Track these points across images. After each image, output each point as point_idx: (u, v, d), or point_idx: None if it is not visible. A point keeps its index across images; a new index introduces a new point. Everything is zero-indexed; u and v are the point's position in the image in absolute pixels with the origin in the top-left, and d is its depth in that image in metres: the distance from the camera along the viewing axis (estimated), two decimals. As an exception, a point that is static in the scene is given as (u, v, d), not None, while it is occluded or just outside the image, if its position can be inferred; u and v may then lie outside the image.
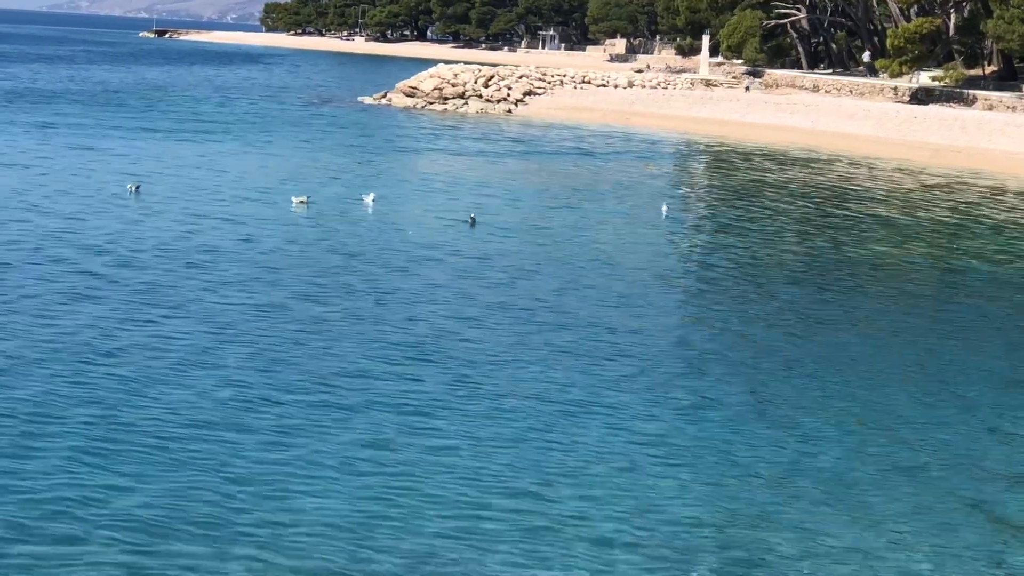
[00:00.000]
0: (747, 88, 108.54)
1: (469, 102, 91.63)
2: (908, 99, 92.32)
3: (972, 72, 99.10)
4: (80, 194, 41.16)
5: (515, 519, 15.98)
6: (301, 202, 41.21)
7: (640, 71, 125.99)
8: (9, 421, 18.47)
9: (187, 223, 36.59)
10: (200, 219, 37.42)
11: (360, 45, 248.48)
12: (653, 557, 15.14)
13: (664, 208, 44.73)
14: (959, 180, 60.50)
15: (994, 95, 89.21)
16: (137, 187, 42.12)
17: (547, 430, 19.38)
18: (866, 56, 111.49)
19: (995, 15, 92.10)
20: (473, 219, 39.26)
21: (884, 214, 47.65)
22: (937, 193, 55.27)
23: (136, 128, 65.37)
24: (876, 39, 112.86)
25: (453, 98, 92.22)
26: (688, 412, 20.69)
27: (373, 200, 42.19)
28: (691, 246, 38.70)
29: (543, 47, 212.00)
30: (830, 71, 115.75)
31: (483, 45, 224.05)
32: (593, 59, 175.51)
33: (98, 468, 16.82)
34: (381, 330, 24.98)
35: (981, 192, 56.12)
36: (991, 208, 50.73)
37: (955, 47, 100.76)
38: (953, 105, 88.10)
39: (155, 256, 31.34)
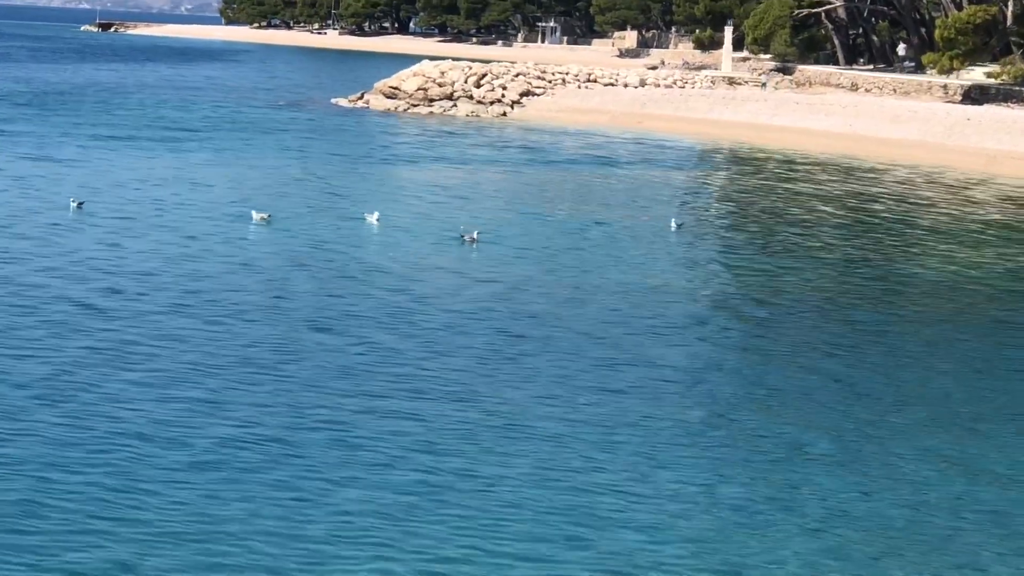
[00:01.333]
0: (763, 85, 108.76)
1: (458, 104, 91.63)
2: (960, 99, 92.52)
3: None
4: (17, 210, 41.19)
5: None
6: (262, 218, 41.26)
7: (654, 68, 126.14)
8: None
9: (127, 243, 36.75)
10: (143, 238, 37.65)
11: (334, 39, 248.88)
12: None
13: (673, 223, 44.65)
14: (1021, 191, 60.56)
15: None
16: (80, 203, 42.04)
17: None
18: (901, 49, 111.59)
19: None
20: (474, 239, 39.50)
21: (932, 230, 47.68)
22: (995, 207, 55.30)
23: (82, 135, 65.51)
24: (923, 30, 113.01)
25: (440, 100, 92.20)
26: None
27: (378, 219, 42.20)
28: (711, 268, 38.74)
29: (542, 41, 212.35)
30: (870, 67, 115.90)
31: (474, 39, 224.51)
32: (600, 54, 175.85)
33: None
34: (352, 365, 25.08)
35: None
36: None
37: (1013, 39, 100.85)
38: (1011, 105, 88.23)
39: (82, 283, 31.38)
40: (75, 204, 41.94)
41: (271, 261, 35.51)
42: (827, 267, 39.29)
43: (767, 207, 52.72)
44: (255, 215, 41.48)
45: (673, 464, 20.54)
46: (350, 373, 24.76)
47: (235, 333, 27.34)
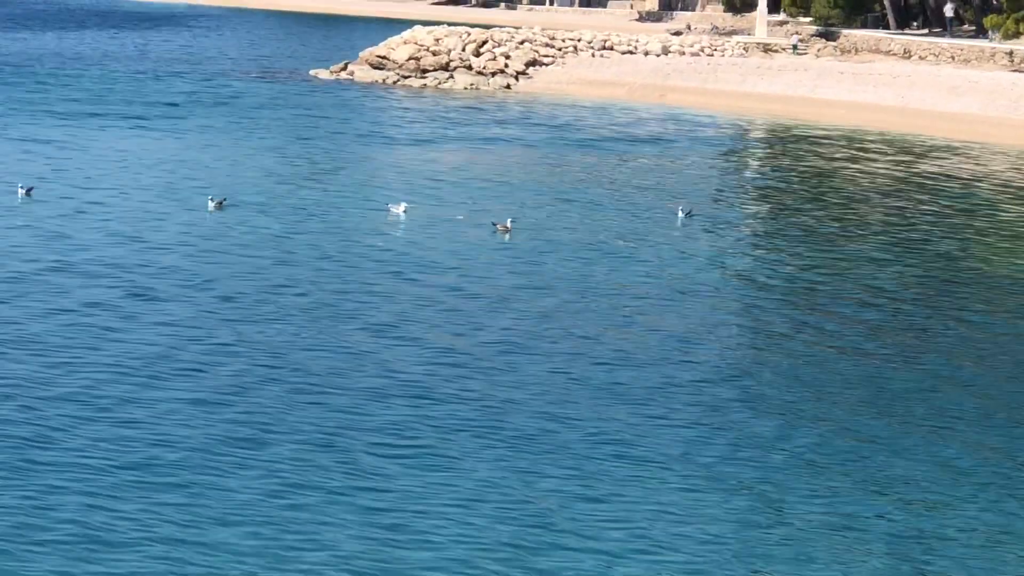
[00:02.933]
0: (794, 47, 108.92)
1: (455, 75, 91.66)
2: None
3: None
4: None
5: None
6: (217, 205, 41.93)
7: (678, 33, 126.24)
8: None
9: (78, 231, 37.46)
10: (96, 226, 38.44)
11: (312, 2, 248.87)
12: None
13: (680, 212, 44.95)
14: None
15: None
16: (29, 189, 42.46)
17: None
18: (948, 9, 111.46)
19: None
20: (507, 228, 40.50)
21: (996, 218, 47.91)
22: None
23: (31, 111, 66.01)
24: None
25: (435, 70, 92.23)
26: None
27: (405, 211, 42.50)
28: (742, 259, 39.12)
29: (551, 3, 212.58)
30: (925, 31, 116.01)
31: (473, 1, 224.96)
32: (616, 18, 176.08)
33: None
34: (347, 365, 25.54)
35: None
36: None
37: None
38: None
39: (24, 276, 32.00)
40: (23, 191, 42.32)
41: (231, 247, 36.50)
42: (880, 258, 39.70)
43: (808, 192, 53.08)
44: (210, 202, 42.00)
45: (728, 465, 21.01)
46: (399, 370, 26.18)
47: (280, 330, 28.58)
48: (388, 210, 42.85)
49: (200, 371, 25.69)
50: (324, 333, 29.00)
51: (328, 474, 20.61)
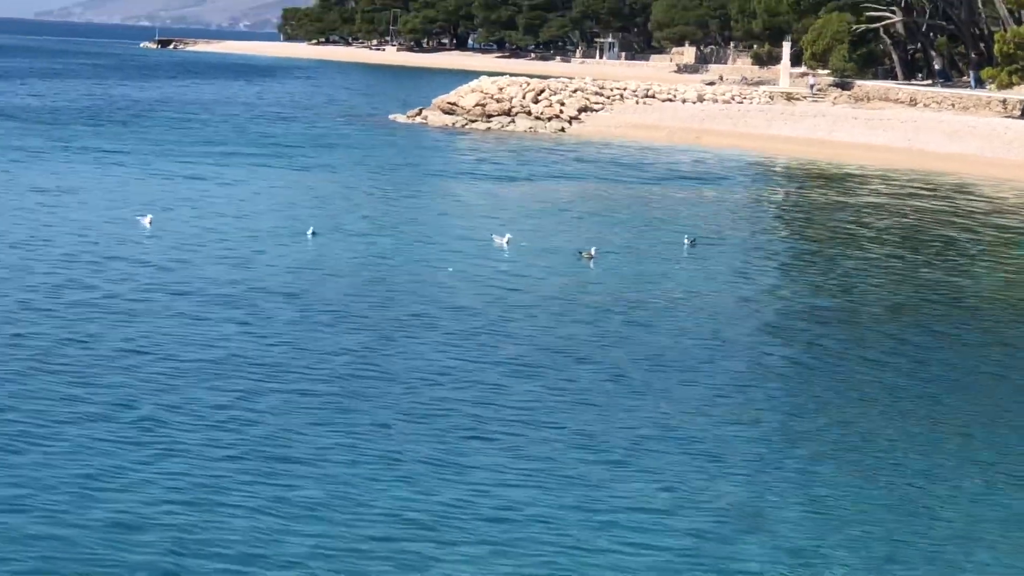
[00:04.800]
0: (812, 87, 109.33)
1: (516, 120, 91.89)
2: (1019, 113, 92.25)
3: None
4: (89, 227, 41.59)
5: None
6: (311, 233, 41.67)
7: (712, 83, 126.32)
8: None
9: (193, 258, 37.15)
10: (205, 253, 38.03)
11: (392, 55, 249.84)
12: None
13: (686, 241, 44.29)
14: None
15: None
16: (150, 219, 42.17)
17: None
18: (936, 62, 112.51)
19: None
20: (591, 256, 40.09)
21: (992, 245, 47.73)
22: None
23: (148, 153, 66.04)
24: (982, 45, 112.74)
25: (498, 115, 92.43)
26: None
27: (508, 242, 41.71)
28: (764, 290, 39.05)
29: (600, 57, 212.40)
30: (929, 82, 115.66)
31: (532, 55, 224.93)
32: (658, 70, 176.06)
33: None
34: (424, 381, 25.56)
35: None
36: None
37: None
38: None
39: (138, 300, 31.84)
40: (145, 221, 42.05)
41: (337, 272, 35.96)
42: (889, 281, 39.49)
43: (821, 222, 52.93)
44: (497, 239, 41.78)
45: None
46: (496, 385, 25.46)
47: (398, 352, 27.58)
48: (492, 240, 41.99)
49: (327, 382, 25.09)
50: (451, 347, 28.33)
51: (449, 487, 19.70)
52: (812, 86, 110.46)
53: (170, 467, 19.68)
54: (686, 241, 44.12)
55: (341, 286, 34.22)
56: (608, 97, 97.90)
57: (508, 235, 42.21)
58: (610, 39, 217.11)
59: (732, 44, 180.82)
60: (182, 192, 51.72)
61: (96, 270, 34.60)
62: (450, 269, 37.29)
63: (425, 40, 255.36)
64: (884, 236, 49.07)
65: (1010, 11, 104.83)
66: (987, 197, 63.18)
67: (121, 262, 35.98)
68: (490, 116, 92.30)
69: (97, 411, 22.21)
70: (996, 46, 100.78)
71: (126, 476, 19.11)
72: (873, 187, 65.72)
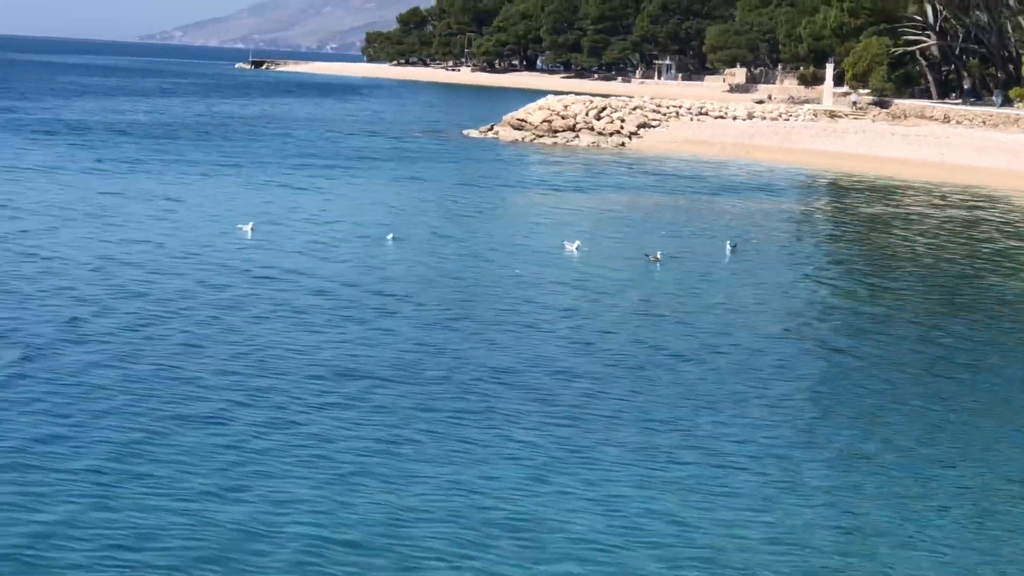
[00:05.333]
0: (854, 103, 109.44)
1: (580, 135, 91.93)
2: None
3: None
4: (195, 235, 41.81)
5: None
6: (391, 239, 41.67)
7: (761, 102, 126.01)
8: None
9: (290, 255, 37.67)
10: (299, 258, 38.14)
11: (466, 76, 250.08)
12: None
13: (728, 247, 44.25)
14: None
15: None
16: (251, 227, 42.11)
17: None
18: (966, 83, 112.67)
19: None
20: (657, 258, 40.20)
21: (1015, 248, 47.63)
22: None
23: (249, 165, 66.56)
24: (1011, 67, 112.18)
25: (563, 131, 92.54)
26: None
27: (577, 248, 41.59)
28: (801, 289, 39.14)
29: (658, 77, 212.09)
30: (960, 101, 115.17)
31: (595, 75, 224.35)
32: (711, 89, 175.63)
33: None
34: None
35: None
36: None
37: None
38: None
39: (250, 284, 32.44)
40: (246, 228, 42.09)
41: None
42: (920, 285, 39.52)
43: (865, 229, 52.93)
44: (567, 245, 41.79)
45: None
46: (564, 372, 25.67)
47: (476, 346, 27.75)
48: (563, 246, 41.75)
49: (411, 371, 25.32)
50: (523, 340, 28.50)
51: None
52: (855, 103, 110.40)
53: (299, 452, 20.00)
54: (728, 246, 44.09)
55: (421, 287, 34.37)
56: (665, 115, 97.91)
57: (577, 241, 42.26)
58: (667, 61, 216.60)
59: (780, 66, 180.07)
60: (281, 201, 51.98)
61: (200, 275, 34.81)
62: (517, 271, 37.36)
63: (497, 61, 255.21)
64: (920, 242, 48.93)
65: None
66: (1017, 207, 62.98)
67: (223, 268, 36.08)
68: (556, 131, 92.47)
69: (224, 402, 22.54)
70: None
71: (266, 464, 19.40)
72: (909, 198, 65.55)
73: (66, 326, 27.69)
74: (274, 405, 22.54)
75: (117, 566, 15.57)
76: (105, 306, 29.89)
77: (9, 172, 56.60)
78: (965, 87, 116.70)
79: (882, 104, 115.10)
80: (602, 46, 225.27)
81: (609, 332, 29.79)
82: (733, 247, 44.03)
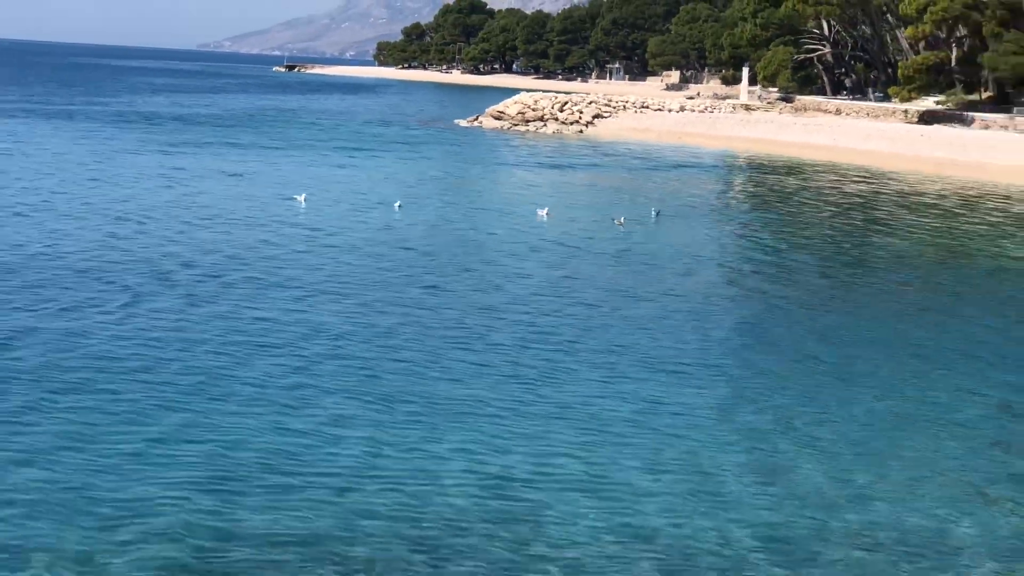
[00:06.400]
0: (760, 98, 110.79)
1: (547, 124, 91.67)
2: (916, 120, 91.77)
3: (970, 97, 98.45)
4: (258, 203, 41.16)
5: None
6: (398, 206, 41.04)
7: (691, 98, 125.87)
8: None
9: (335, 224, 36.89)
10: (342, 219, 37.85)
11: (457, 77, 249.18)
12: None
13: (654, 212, 42.76)
14: (961, 188, 60.26)
15: (989, 116, 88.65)
16: (304, 197, 41.41)
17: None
18: (847, 82, 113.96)
19: (990, 49, 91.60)
20: (621, 223, 39.51)
21: (896, 215, 47.61)
22: (943, 198, 55.12)
23: (292, 147, 65.80)
24: (889, 70, 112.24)
25: (534, 120, 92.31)
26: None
27: (547, 213, 40.58)
28: (722, 246, 39.03)
29: (610, 78, 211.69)
30: (850, 97, 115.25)
31: (559, 76, 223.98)
32: (651, 88, 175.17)
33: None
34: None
35: (979, 198, 55.87)
36: (991, 210, 50.56)
37: (956, 76, 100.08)
38: (954, 125, 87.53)
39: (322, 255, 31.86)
40: (301, 199, 41.35)
41: (470, 241, 35.53)
42: (816, 240, 39.45)
43: (767, 198, 52.87)
44: (539, 212, 40.85)
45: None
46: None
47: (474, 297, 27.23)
48: (535, 213, 41.02)
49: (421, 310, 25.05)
50: (490, 293, 27.94)
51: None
52: (760, 97, 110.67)
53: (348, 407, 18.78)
54: (653, 212, 42.89)
55: (422, 245, 34.07)
56: (614, 108, 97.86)
57: (547, 208, 41.80)
58: (617, 65, 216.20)
59: (706, 69, 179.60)
60: (320, 176, 51.43)
61: (268, 235, 34.29)
62: (497, 233, 36.89)
63: (481, 66, 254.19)
64: (820, 208, 48.88)
65: (910, 45, 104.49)
66: (894, 181, 62.95)
67: (288, 227, 35.91)
68: (528, 121, 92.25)
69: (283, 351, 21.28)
70: (900, 71, 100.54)
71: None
72: (810, 174, 65.52)
73: (161, 275, 27.27)
74: (332, 335, 22.34)
75: (219, 464, 15.27)
76: (190, 260, 29.37)
77: (100, 153, 56.00)
78: (848, 86, 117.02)
79: (787, 100, 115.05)
80: (565, 53, 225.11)
81: (572, 278, 29.55)
82: (657, 213, 42.99)
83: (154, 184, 44.87)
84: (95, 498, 14.00)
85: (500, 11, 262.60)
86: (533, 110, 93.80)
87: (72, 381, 18.54)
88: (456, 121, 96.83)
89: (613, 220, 40.12)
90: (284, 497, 14.38)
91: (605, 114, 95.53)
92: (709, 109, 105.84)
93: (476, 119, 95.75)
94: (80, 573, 12.21)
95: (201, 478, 14.78)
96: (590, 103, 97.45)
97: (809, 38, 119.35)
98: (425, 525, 13.78)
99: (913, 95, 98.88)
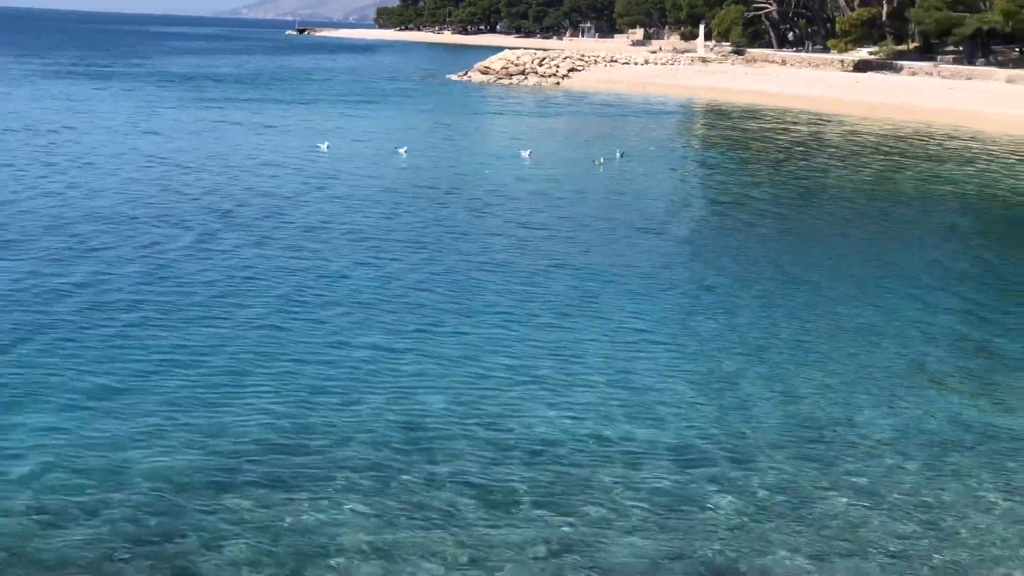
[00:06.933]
0: (714, 51, 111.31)
1: (528, 77, 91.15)
2: (852, 69, 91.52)
3: (899, 48, 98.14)
4: (278, 149, 40.78)
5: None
6: (404, 152, 40.43)
7: (654, 52, 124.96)
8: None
9: (355, 167, 36.63)
10: (359, 163, 37.54)
11: (447, 37, 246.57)
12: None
13: (613, 155, 41.60)
14: (892, 127, 60.34)
15: (916, 64, 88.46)
16: (327, 145, 41.00)
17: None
18: (790, 36, 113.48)
19: (916, 5, 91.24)
20: (600, 163, 38.98)
21: (834, 153, 47.69)
22: (874, 136, 55.22)
23: (309, 101, 65.45)
24: (828, 25, 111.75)
25: (516, 74, 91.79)
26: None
27: (530, 154, 40.17)
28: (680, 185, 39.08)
29: (582, 36, 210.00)
30: (794, 49, 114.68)
31: (538, 35, 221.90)
32: (619, 44, 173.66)
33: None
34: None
35: (908, 136, 55.95)
36: (917, 146, 50.68)
37: (887, 29, 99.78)
38: (885, 73, 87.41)
39: (348, 196, 31.73)
40: (324, 146, 40.77)
41: (462, 179, 35.24)
42: (760, 174, 39.37)
43: (721, 139, 52.83)
44: (401, 150, 40.32)
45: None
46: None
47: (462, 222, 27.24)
48: (519, 154, 40.86)
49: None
50: (477, 226, 27.93)
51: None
52: (715, 50, 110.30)
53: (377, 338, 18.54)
54: (617, 153, 42.00)
55: (424, 181, 33.97)
56: (587, 62, 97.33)
57: (530, 149, 41.70)
58: (588, 24, 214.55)
59: (667, 26, 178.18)
60: (336, 125, 50.90)
61: (295, 178, 34.06)
62: (487, 172, 36.78)
63: (469, 27, 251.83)
64: (772, 146, 48.88)
65: (846, 2, 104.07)
66: (834, 122, 62.96)
67: (312, 169, 35.81)
68: (511, 75, 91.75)
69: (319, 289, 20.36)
70: (837, 25, 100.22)
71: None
72: (758, 117, 65.41)
73: (222, 214, 27.08)
74: (375, 270, 22.01)
75: (287, 382, 15.26)
76: (243, 200, 29.22)
77: (144, 109, 55.46)
78: (791, 39, 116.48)
79: (738, 52, 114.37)
80: (543, 14, 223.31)
81: (550, 208, 29.48)
82: (622, 154, 42.09)
83: (199, 136, 44.27)
84: (200, 404, 14.14)
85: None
86: (515, 65, 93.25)
87: (162, 305, 18.55)
88: (448, 76, 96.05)
89: (594, 161, 39.80)
90: (347, 398, 14.57)
91: (579, 68, 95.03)
92: (670, 62, 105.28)
93: (466, 74, 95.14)
94: (204, 453, 12.42)
95: (280, 387, 14.90)
96: (565, 58, 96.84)
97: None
98: (476, 419, 14.00)
99: (849, 47, 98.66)
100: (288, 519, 11.20)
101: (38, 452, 12.47)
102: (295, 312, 18.61)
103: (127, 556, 10.45)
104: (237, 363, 15.79)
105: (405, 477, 12.26)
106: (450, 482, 12.17)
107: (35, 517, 11.08)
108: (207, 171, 34.37)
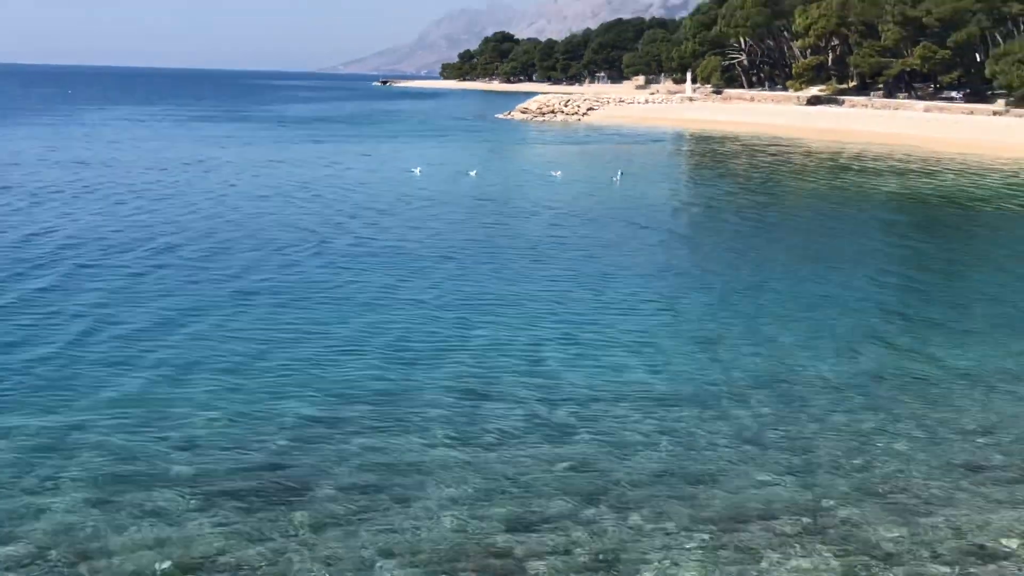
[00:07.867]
0: (698, 91, 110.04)
1: (556, 115, 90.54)
2: (805, 103, 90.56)
3: (841, 86, 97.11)
4: (374, 176, 39.65)
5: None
6: (474, 173, 39.53)
7: (653, 94, 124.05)
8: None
9: (440, 187, 35.80)
10: (444, 184, 36.66)
11: (496, 85, 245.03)
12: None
13: (619, 174, 39.45)
14: (838, 147, 59.75)
15: (855, 98, 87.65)
16: (419, 170, 39.49)
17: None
18: (754, 79, 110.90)
19: (855, 52, 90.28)
20: (617, 180, 37.51)
21: (795, 171, 47.27)
22: (824, 155, 54.72)
23: (397, 135, 64.46)
24: (786, 69, 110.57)
25: (547, 113, 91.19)
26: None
27: (559, 175, 38.80)
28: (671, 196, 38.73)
29: (598, 83, 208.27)
30: (761, 88, 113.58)
31: (564, 83, 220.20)
32: (626, 88, 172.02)
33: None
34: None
35: (850, 153, 55.36)
36: (858, 161, 50.16)
37: (832, 72, 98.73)
38: (831, 106, 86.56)
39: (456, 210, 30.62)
40: (417, 170, 39.27)
41: (495, 197, 34.44)
42: (737, 184, 38.87)
43: (706, 160, 52.53)
44: (471, 172, 39.14)
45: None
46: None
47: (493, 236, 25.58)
48: (552, 174, 39.92)
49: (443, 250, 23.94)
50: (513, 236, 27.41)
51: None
52: (699, 91, 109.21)
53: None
54: (618, 175, 39.59)
55: (489, 196, 33.40)
56: (601, 103, 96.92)
57: (560, 171, 41.09)
58: (602, 73, 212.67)
59: (663, 73, 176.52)
60: (421, 154, 49.55)
61: (392, 193, 33.42)
62: (530, 187, 36.17)
63: (512, 77, 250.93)
64: (747, 165, 48.55)
65: (800, 52, 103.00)
66: (793, 143, 62.31)
67: (409, 186, 35.26)
68: (544, 114, 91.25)
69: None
70: (793, 70, 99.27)
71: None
72: (733, 142, 64.86)
73: (336, 224, 26.10)
74: (446, 252, 21.67)
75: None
76: (353, 213, 28.27)
77: (267, 143, 55.19)
78: (755, 82, 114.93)
79: (718, 92, 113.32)
80: (568, 67, 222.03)
81: (574, 214, 29.15)
82: (621, 174, 39.84)
83: (314, 164, 43.57)
84: (317, 370, 14.00)
85: (523, 40, 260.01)
86: (547, 106, 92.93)
87: (284, 298, 17.79)
88: (496, 115, 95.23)
89: (611, 178, 38.89)
90: (436, 360, 14.40)
91: (595, 107, 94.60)
92: (665, 101, 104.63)
93: (509, 114, 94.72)
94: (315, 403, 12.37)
95: (388, 354, 14.65)
96: (585, 100, 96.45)
97: (731, 50, 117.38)
98: (526, 382, 13.93)
99: (803, 86, 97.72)
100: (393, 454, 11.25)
101: (208, 408, 12.44)
102: (399, 294, 18.33)
103: (271, 484, 10.69)
104: (354, 335, 15.61)
105: (481, 419, 12.39)
106: (509, 417, 12.15)
107: (216, 444, 11.29)
108: (326, 191, 33.64)
